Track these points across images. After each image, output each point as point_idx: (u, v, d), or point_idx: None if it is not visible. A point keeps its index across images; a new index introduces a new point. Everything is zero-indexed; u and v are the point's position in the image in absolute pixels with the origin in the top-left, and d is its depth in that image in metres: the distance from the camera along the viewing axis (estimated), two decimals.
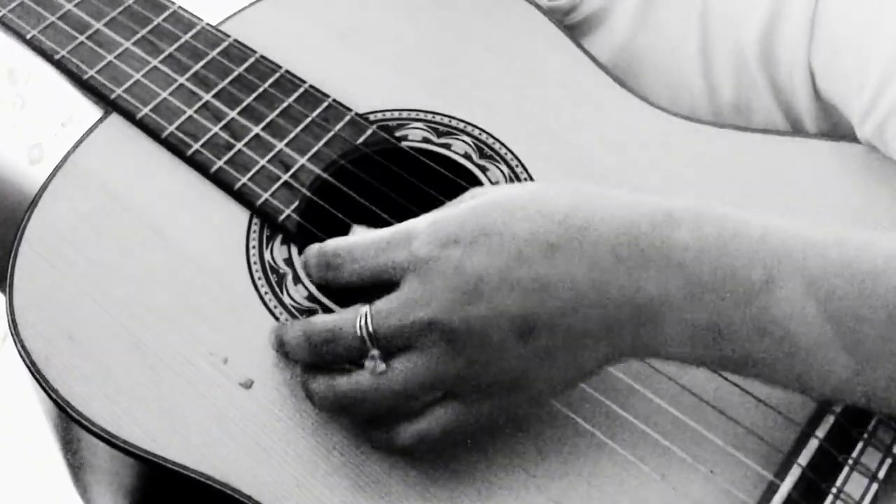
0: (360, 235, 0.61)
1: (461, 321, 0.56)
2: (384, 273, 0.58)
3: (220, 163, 0.71)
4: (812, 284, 0.56)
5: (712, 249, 0.56)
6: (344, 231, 0.66)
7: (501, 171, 0.72)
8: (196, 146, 0.71)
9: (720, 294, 0.56)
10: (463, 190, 0.63)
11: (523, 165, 0.72)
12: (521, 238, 0.56)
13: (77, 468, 0.70)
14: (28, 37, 0.77)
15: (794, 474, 0.59)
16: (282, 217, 0.69)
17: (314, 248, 0.62)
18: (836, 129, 0.74)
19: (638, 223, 0.57)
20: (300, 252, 0.68)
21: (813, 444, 0.60)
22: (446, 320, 0.56)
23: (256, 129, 0.72)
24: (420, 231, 0.58)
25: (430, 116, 0.75)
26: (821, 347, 0.56)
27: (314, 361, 0.60)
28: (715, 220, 0.57)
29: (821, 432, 0.61)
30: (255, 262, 0.68)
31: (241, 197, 0.70)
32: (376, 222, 0.67)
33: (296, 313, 0.65)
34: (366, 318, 0.57)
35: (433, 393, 0.58)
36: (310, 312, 0.66)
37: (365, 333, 0.57)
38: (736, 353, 0.57)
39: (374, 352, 0.57)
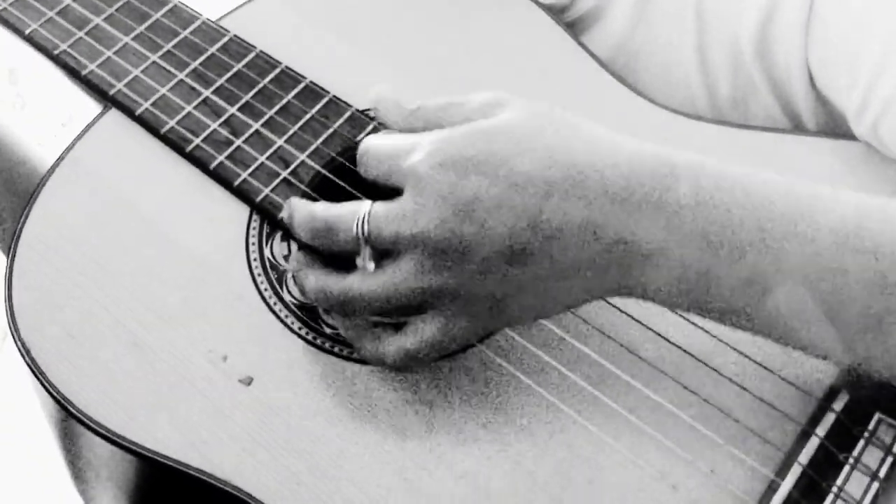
0: (384, 138, 0.62)
1: (449, 238, 0.57)
2: (390, 178, 0.60)
3: (219, 159, 0.71)
4: (800, 254, 0.56)
5: (709, 201, 0.57)
6: None
7: None
8: (196, 142, 0.71)
9: (713, 247, 0.57)
10: None
11: None
12: (521, 171, 0.57)
13: (77, 465, 0.70)
14: (27, 32, 0.77)
15: (794, 473, 0.60)
16: (281, 213, 0.69)
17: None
18: (835, 124, 0.74)
19: (639, 171, 0.57)
20: (300, 248, 0.68)
21: (813, 443, 0.61)
22: (434, 237, 0.57)
23: (256, 126, 0.72)
24: (423, 146, 0.59)
25: None
26: (804, 315, 0.57)
27: (313, 243, 0.62)
28: (713, 173, 0.58)
29: (821, 431, 0.61)
30: (254, 259, 0.68)
31: (241, 193, 0.70)
32: None
33: (296, 310, 0.65)
34: (364, 218, 0.59)
35: (417, 301, 0.59)
36: (311, 310, 0.66)
37: (360, 232, 0.59)
38: (721, 304, 0.58)
39: (366, 250, 0.59)
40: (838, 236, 0.56)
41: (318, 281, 0.62)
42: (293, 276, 0.64)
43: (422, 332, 0.60)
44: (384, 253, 0.59)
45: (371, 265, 0.59)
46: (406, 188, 0.59)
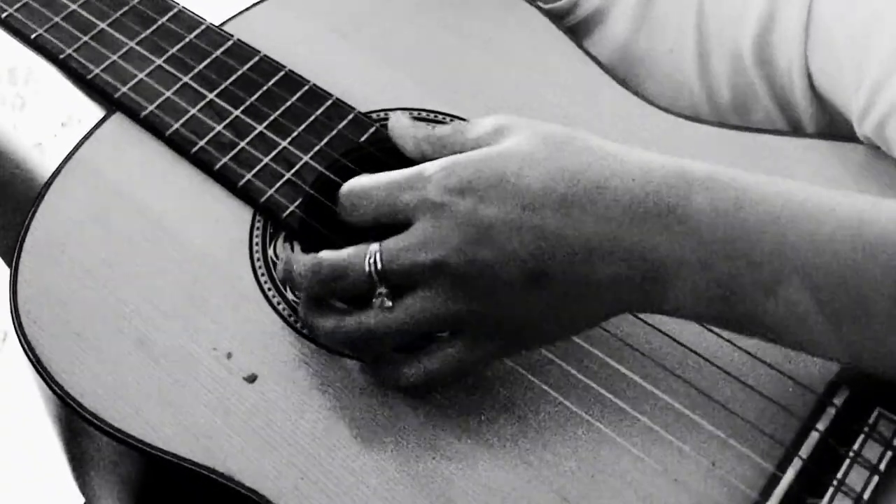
0: (374, 176, 0.61)
1: (469, 264, 0.57)
2: (396, 213, 0.59)
3: (223, 160, 0.71)
4: (811, 267, 0.56)
5: (726, 212, 0.57)
6: (346, 229, 0.67)
7: None
8: (200, 144, 0.72)
9: (732, 257, 0.57)
10: None
11: None
12: (534, 190, 0.57)
13: (79, 463, 0.70)
14: (33, 37, 0.77)
15: (795, 467, 0.60)
16: (285, 214, 0.69)
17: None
18: (835, 128, 0.75)
19: (653, 183, 0.57)
20: (303, 249, 0.68)
21: (814, 437, 0.61)
22: (454, 263, 0.57)
23: (260, 128, 0.73)
24: (433, 174, 0.59)
25: (432, 116, 0.75)
26: (815, 330, 0.57)
27: (320, 294, 0.61)
28: (729, 183, 0.58)
29: (822, 425, 0.61)
30: (258, 259, 0.68)
31: (245, 194, 0.70)
32: None
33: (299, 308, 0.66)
34: (375, 256, 0.58)
35: (440, 328, 0.59)
36: None
37: (374, 271, 0.58)
38: (742, 314, 0.58)
39: (382, 289, 0.58)
40: (855, 240, 0.56)
41: (334, 324, 0.61)
42: (303, 322, 0.63)
43: (443, 356, 0.60)
44: (397, 287, 0.59)
45: (389, 303, 0.58)
46: (417, 218, 0.58)
